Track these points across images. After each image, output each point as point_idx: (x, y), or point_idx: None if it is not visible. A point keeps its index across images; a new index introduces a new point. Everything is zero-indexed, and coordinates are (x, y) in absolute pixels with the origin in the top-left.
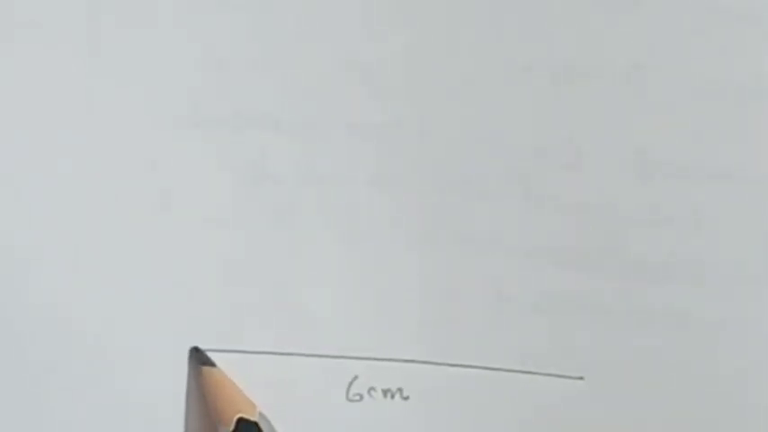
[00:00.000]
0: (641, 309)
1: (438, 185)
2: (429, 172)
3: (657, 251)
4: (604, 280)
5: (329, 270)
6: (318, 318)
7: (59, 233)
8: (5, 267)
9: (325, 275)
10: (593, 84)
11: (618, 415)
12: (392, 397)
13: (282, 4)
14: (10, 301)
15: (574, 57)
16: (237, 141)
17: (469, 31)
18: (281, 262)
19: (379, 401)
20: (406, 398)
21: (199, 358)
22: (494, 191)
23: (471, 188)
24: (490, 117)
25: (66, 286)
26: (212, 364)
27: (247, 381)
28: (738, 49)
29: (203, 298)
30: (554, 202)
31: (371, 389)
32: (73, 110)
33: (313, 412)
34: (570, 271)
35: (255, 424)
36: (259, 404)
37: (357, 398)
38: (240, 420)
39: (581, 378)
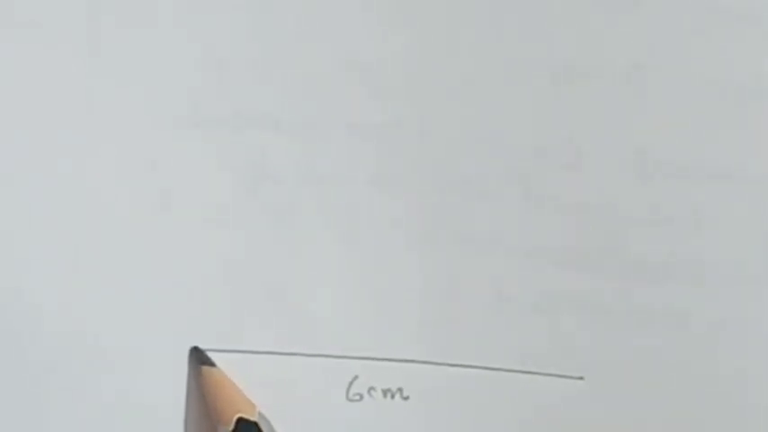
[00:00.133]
0: (641, 309)
1: (438, 185)
2: (429, 172)
3: (657, 251)
4: (604, 280)
5: (329, 270)
6: (318, 318)
7: (59, 233)
8: (5, 267)
9: (325, 275)
10: (593, 84)
11: (618, 415)
12: (392, 397)
13: (282, 4)
14: (10, 301)
15: (574, 57)
16: (237, 141)
17: (469, 31)
18: (281, 262)
19: (379, 401)
20: (406, 398)
21: (199, 358)
22: (494, 191)
23: (471, 188)
24: (490, 117)
25: (66, 286)
26: (212, 364)
27: (247, 381)
28: (738, 49)
29: (203, 298)
30: (554, 202)
31: (371, 389)
32: (73, 110)
33: (313, 412)
34: (570, 271)
35: (255, 424)
36: (259, 404)
37: (357, 398)
38: (240, 420)
39: (581, 378)
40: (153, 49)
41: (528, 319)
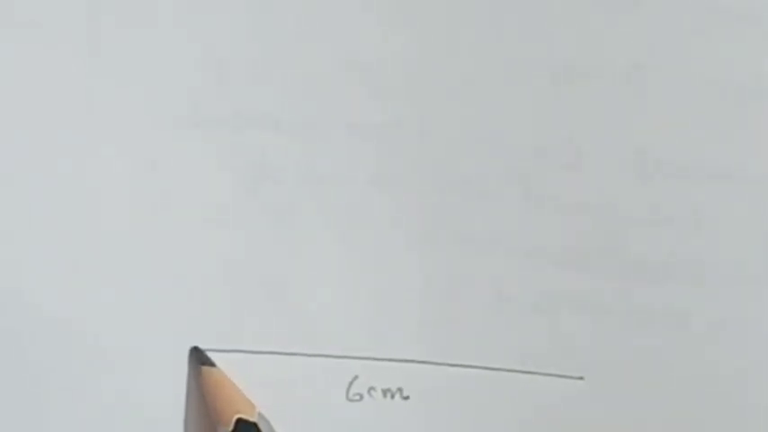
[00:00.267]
0: (641, 309)
1: (438, 185)
2: (429, 172)
3: (657, 251)
4: (604, 280)
5: (329, 270)
6: (318, 318)
7: (59, 233)
8: (5, 267)
9: (325, 275)
10: (593, 84)
11: (618, 415)
12: (392, 397)
13: (282, 4)
14: (10, 301)
15: (574, 57)
16: (237, 141)
17: (469, 31)
18: (281, 262)
19: (379, 401)
20: (406, 398)
21: (199, 358)
22: (494, 191)
23: (471, 188)
24: (490, 117)
25: (66, 286)
26: (212, 364)
27: (247, 381)
28: (738, 49)
29: (203, 298)
30: (554, 202)
31: (371, 389)
32: (73, 110)
33: (313, 412)
34: (570, 271)
35: (254, 424)
36: (259, 404)
37: (357, 398)
38: (239, 421)
39: (581, 378)
40: (153, 49)
41: (528, 319)
